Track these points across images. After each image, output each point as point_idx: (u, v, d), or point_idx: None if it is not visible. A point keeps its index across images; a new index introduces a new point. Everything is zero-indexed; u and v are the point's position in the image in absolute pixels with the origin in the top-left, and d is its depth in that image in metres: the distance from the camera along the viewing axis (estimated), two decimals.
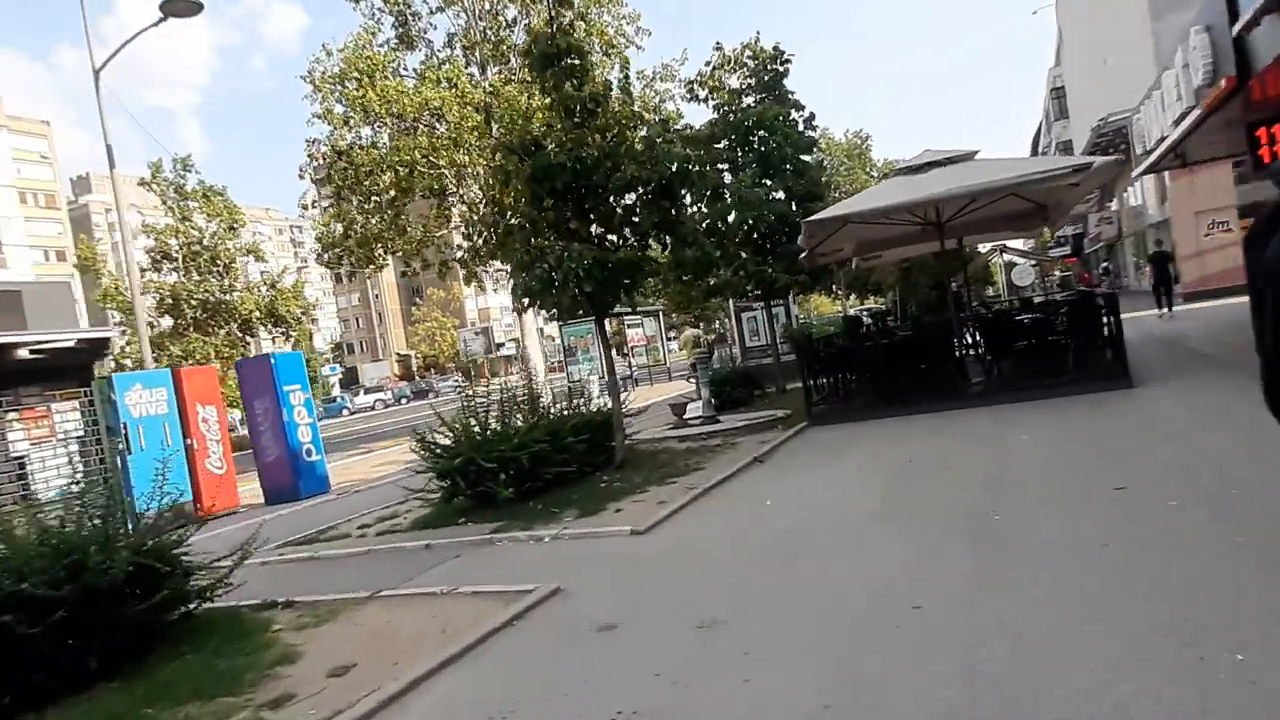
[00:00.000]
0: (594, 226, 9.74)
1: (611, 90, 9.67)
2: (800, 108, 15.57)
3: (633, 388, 29.03)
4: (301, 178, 19.90)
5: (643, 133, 9.55)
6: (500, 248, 9.08)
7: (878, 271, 42.78)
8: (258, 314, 36.52)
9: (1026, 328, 10.82)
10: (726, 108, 15.43)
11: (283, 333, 40.20)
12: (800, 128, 15.65)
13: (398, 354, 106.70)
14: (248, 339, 39.43)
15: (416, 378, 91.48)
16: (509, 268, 9.12)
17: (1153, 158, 14.14)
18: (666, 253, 11.22)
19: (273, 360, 13.16)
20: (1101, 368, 10.19)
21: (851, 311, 55.52)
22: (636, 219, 9.50)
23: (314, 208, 20.86)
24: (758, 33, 15.81)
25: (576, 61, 9.32)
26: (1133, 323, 20.06)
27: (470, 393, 9.74)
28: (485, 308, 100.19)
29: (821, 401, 11.75)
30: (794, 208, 14.68)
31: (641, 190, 9.45)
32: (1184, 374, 10.20)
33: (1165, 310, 20.33)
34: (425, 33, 21.85)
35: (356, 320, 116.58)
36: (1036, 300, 17.90)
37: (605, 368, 10.27)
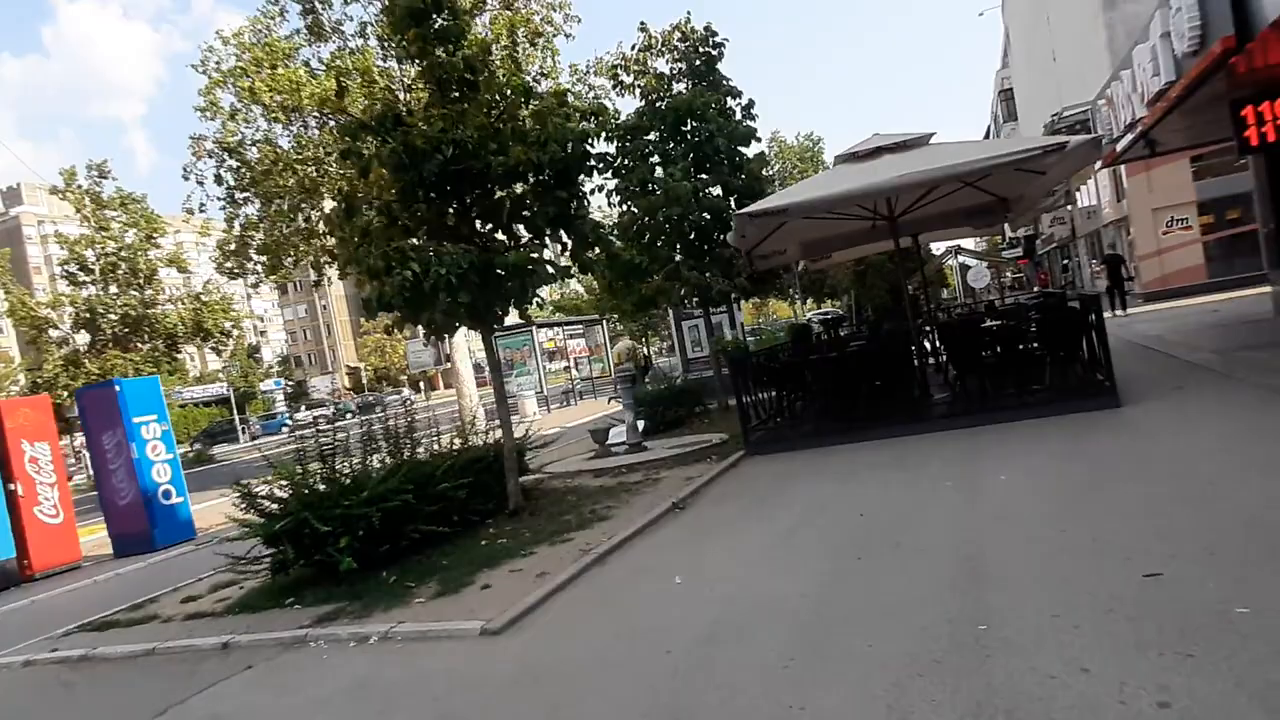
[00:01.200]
0: (479, 222, 8.01)
1: (491, 55, 7.92)
2: (737, 94, 13.98)
3: (575, 401, 27.30)
4: (186, 178, 17.78)
5: (534, 106, 7.80)
6: (355, 251, 7.22)
7: (832, 274, 41.68)
8: (183, 328, 34.32)
9: (995, 336, 9.30)
10: (655, 95, 13.77)
11: (212, 348, 37.93)
12: (738, 117, 14.05)
13: (348, 367, 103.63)
14: (174, 355, 37.03)
15: (367, 391, 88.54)
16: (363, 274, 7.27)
17: (1121, 144, 12.82)
18: (600, 254, 9.49)
19: (119, 388, 11.10)
20: (1081, 382, 8.72)
21: (807, 317, 54.59)
22: (529, 213, 7.77)
23: (201, 211, 18.71)
24: (688, 12, 14.21)
25: (450, 21, 7.56)
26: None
27: (326, 425, 7.87)
28: None
29: (761, 426, 10.11)
30: (733, 205, 13.09)
31: (533, 177, 7.73)
32: (1172, 387, 8.77)
33: (1120, 311, 21.02)
34: (341, 24, 19.95)
35: (304, 332, 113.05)
36: (996, 303, 16.56)
37: (496, 393, 8.47)
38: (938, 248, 42.62)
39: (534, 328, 26.02)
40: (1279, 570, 3.59)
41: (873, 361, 9.54)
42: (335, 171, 17.81)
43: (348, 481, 7.01)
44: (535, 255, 7.71)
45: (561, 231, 7.83)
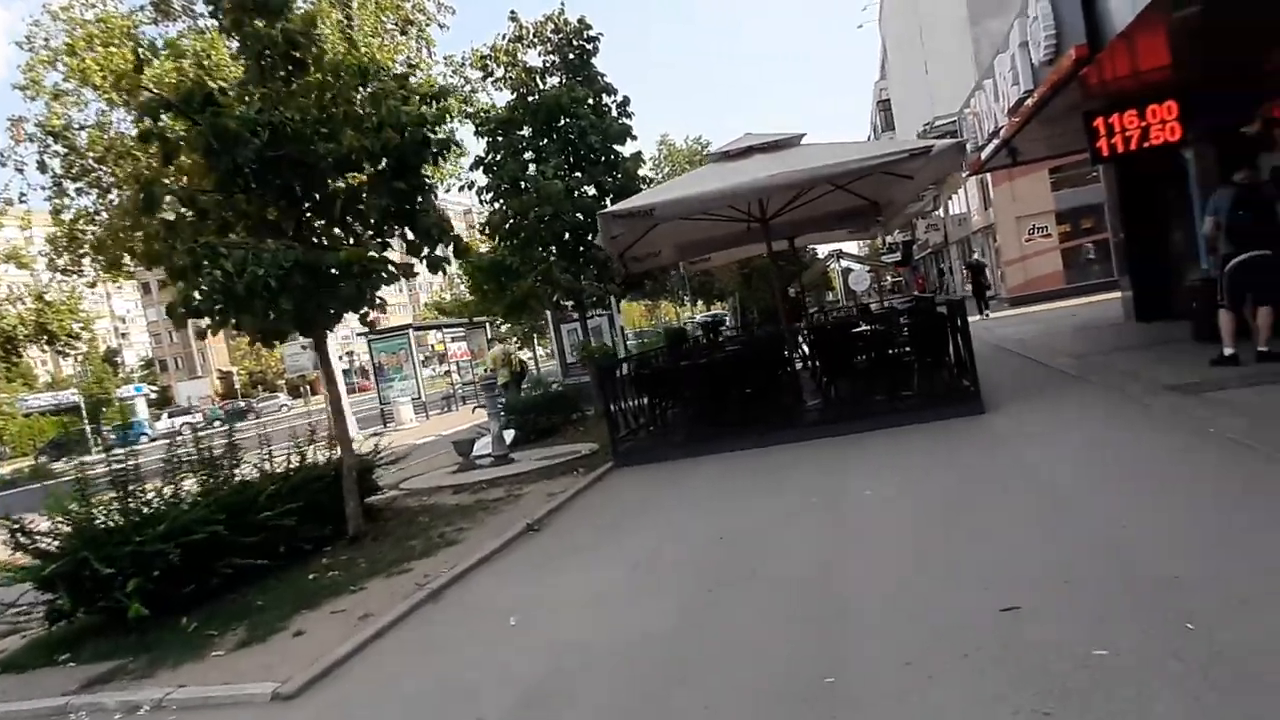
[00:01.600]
0: (310, 217, 7.18)
1: (319, 30, 7.12)
2: (612, 91, 13.54)
3: (456, 408, 26.21)
4: (3, 164, 15.82)
5: (371, 89, 7.04)
6: (156, 247, 6.28)
7: (720, 276, 42.04)
8: (23, 330, 31.36)
9: (866, 341, 9.15)
10: (525, 88, 13.14)
11: (59, 351, 34.92)
12: (614, 114, 13.61)
13: (219, 371, 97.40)
14: (13, 359, 33.82)
15: (240, 397, 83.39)
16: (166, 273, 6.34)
17: (985, 153, 13.10)
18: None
19: None
20: (948, 388, 8.66)
21: (696, 319, 54.93)
22: (363, 206, 7.00)
23: (22, 201, 16.77)
24: (562, 4, 13.66)
25: None
26: None
27: (113, 450, 6.85)
28: None
29: (631, 436, 9.64)
30: (608, 205, 12.61)
31: (371, 167, 6.97)
32: (1032, 392, 8.85)
33: (984, 314, 22.73)
34: (193, 4, 18.29)
35: (170, 334, 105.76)
36: (871, 307, 16.74)
37: (331, 406, 7.66)
38: (823, 251, 43.78)
39: (411, 330, 24.84)
40: (1134, 604, 3.33)
41: (744, 367, 9.23)
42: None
43: (148, 512, 6.07)
44: (373, 254, 6.95)
45: (403, 227, 7.08)
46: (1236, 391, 6.86)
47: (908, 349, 8.95)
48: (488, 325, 27.38)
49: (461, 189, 15.01)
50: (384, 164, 6.93)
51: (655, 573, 5.10)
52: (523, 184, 12.55)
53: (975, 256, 29.43)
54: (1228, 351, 8.09)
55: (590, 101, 13.20)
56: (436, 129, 6.90)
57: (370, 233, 7.23)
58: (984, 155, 13.37)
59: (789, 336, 10.26)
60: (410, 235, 7.17)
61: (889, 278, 61.65)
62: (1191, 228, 11.35)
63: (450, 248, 7.15)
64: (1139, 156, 10.72)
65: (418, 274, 7.57)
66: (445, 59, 19.97)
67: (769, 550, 5.05)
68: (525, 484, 9.04)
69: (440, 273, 7.60)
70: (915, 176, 9.57)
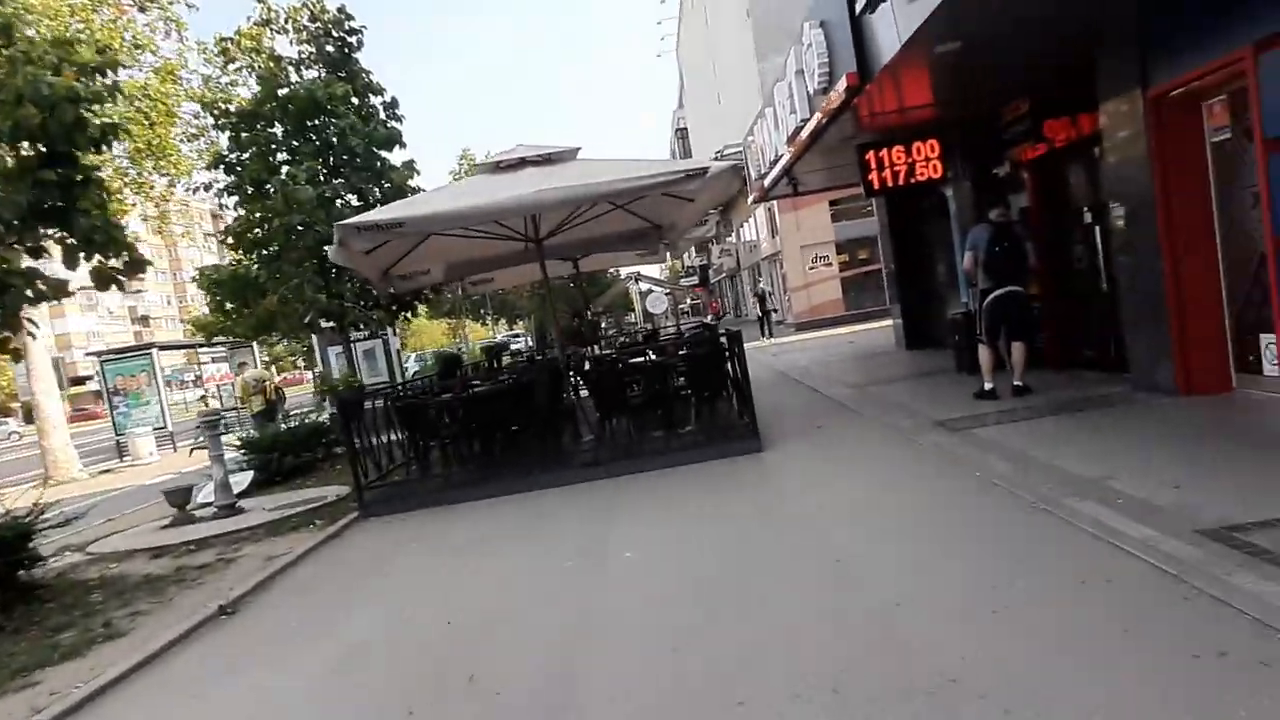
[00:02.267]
0: None
1: None
2: (378, 91, 12.21)
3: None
4: None
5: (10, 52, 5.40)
6: None
7: (516, 296, 40.89)
8: None
9: (644, 373, 8.50)
10: (275, 80, 11.51)
11: None
12: (382, 116, 12.28)
13: None
14: None
15: None
16: None
17: (768, 181, 13.13)
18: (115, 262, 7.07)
19: None
20: (727, 424, 8.19)
21: (499, 338, 53.34)
22: None
23: None
24: None
25: None
26: (748, 355, 19.89)
27: None
28: (64, 333, 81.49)
29: (382, 480, 8.37)
30: None
31: (7, 151, 5.35)
32: (810, 426, 8.60)
33: (768, 339, 24.22)
34: None
35: None
36: (659, 332, 16.44)
37: None
38: (623, 271, 43.94)
39: (155, 350, 21.67)
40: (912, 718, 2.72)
41: (514, 399, 8.28)
42: None
43: None
44: (10, 266, 5.31)
45: (57, 230, 5.49)
46: (997, 429, 6.84)
47: (683, 381, 8.39)
48: (255, 346, 24.57)
49: (194, 190, 13.05)
50: (33, 148, 5.33)
51: (354, 680, 3.98)
52: (270, 188, 10.91)
53: (761, 285, 31.50)
54: (988, 386, 8.24)
55: (355, 101, 11.80)
56: (97, 107, 5.39)
57: (12, 237, 5.56)
58: (766, 183, 13.40)
59: (565, 366, 9.45)
60: (69, 240, 5.59)
61: (688, 300, 63.58)
62: (953, 261, 11.85)
63: (125, 258, 5.63)
64: (906, 191, 11.03)
65: (72, 292, 5.95)
66: (198, 45, 17.57)
67: (501, 642, 4.10)
68: (246, 543, 7.52)
69: (118, 289, 6.03)
70: (696, 199, 9.13)
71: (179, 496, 9.00)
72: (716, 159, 28.39)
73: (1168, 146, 6.64)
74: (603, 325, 43.54)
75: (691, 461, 7.47)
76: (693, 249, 66.28)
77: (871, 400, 9.32)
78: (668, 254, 13.94)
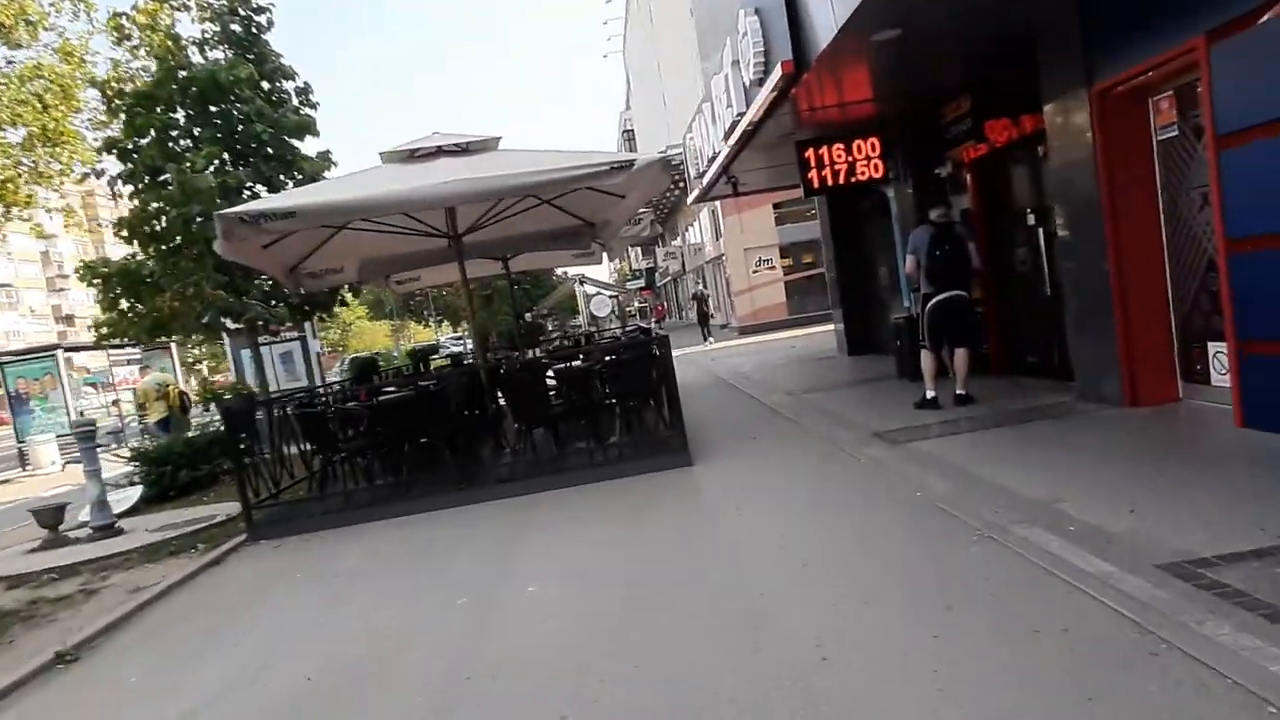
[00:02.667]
0: None
1: None
2: (290, 75, 11.37)
3: (126, 443, 21.75)
4: None
5: None
6: None
7: (457, 296, 39.81)
8: None
9: (566, 380, 7.89)
10: (173, 59, 10.59)
11: None
12: (295, 102, 11.44)
13: None
14: None
15: None
16: None
17: (706, 179, 12.67)
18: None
19: None
20: (655, 436, 7.64)
21: (444, 340, 52.03)
22: None
23: None
24: None
25: None
26: (689, 359, 19.84)
27: None
28: None
29: (275, 499, 7.60)
30: None
31: None
32: (745, 438, 8.12)
33: (709, 342, 24.17)
34: None
35: None
36: (593, 336, 15.89)
37: None
38: (570, 273, 43.27)
39: (60, 351, 20.26)
40: None
41: (424, 408, 7.58)
42: None
43: None
44: None
45: None
46: (939, 441, 6.44)
47: (610, 390, 7.82)
48: (174, 348, 23.24)
49: (83, 178, 12.02)
50: None
51: None
52: (167, 176, 10.00)
53: (699, 288, 31.54)
54: (929, 394, 7.86)
55: (264, 85, 10.96)
56: None
57: None
58: (705, 182, 12.94)
59: (489, 371, 8.79)
60: None
61: (636, 302, 63.08)
62: (895, 264, 11.53)
63: None
64: (847, 191, 10.65)
65: None
66: (111, 17, 16.34)
67: (363, 704, 3.47)
68: (117, 570, 6.69)
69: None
70: (627, 196, 8.58)
71: (49, 516, 8.07)
72: (633, 142, 27.77)
73: (1113, 144, 6.30)
74: (548, 328, 42.80)
75: (616, 476, 6.90)
76: (637, 251, 65.90)
77: (810, 408, 8.88)
78: (604, 254, 13.35)
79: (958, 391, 7.75)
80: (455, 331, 56.89)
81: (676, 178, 27.45)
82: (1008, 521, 4.26)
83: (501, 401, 8.52)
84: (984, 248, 8.53)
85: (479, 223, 8.66)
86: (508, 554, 5.37)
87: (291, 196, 7.06)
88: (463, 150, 7.95)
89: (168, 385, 12.58)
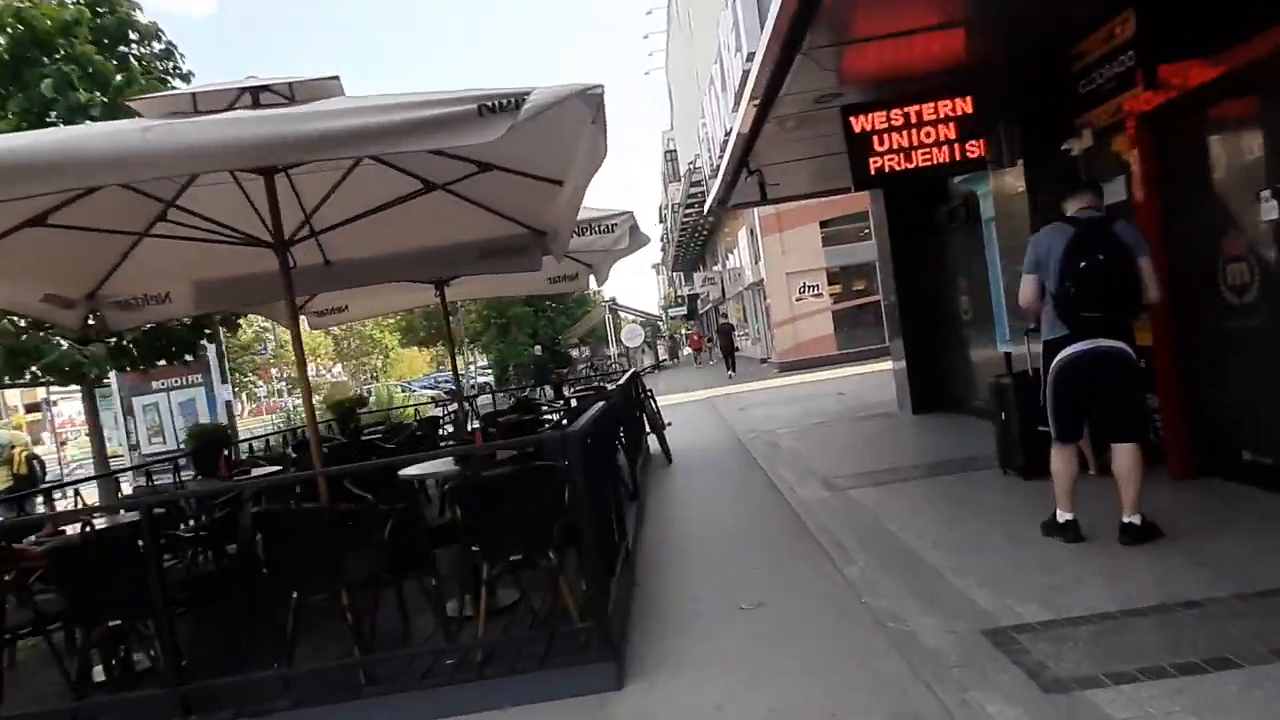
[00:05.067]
0: None
1: None
2: (153, 35, 8.47)
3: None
4: None
5: None
6: None
7: (472, 321, 36.88)
8: None
9: (357, 521, 4.37)
10: None
11: None
12: (160, 68, 8.51)
13: None
14: None
15: None
16: None
17: (720, 173, 9.29)
18: None
19: None
20: (563, 625, 4.15)
21: (474, 373, 49.28)
22: None
23: None
24: None
25: None
26: (709, 406, 15.32)
27: None
28: None
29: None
30: None
31: None
32: (745, 597, 4.66)
33: (730, 372, 23.53)
34: None
35: None
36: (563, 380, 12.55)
37: None
38: (601, 294, 40.17)
39: None
40: None
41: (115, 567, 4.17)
42: None
43: None
44: None
45: None
46: (1135, 658, 2.89)
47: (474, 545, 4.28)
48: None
49: None
50: None
51: None
52: None
53: (724, 319, 30.82)
54: (1065, 516, 4.39)
55: (91, 25, 8.02)
56: None
57: None
58: (720, 177, 9.57)
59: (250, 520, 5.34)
60: None
61: (683, 331, 59.51)
62: (988, 288, 8.03)
63: None
64: (919, 182, 7.22)
65: None
66: None
67: None
68: None
69: None
70: (565, 183, 5.24)
71: None
72: (689, 171, 24.47)
73: None
74: (575, 358, 39.60)
75: (480, 702, 3.50)
76: (679, 277, 62.63)
77: (861, 526, 5.38)
78: (590, 277, 9.94)
79: (1127, 520, 4.24)
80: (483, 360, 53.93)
81: (695, 190, 24.04)
82: None
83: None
84: (1162, 263, 4.92)
85: (318, 220, 5.42)
86: None
87: None
88: (283, 99, 4.74)
89: (11, 446, 9.63)
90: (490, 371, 42.93)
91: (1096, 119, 5.92)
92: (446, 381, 44.97)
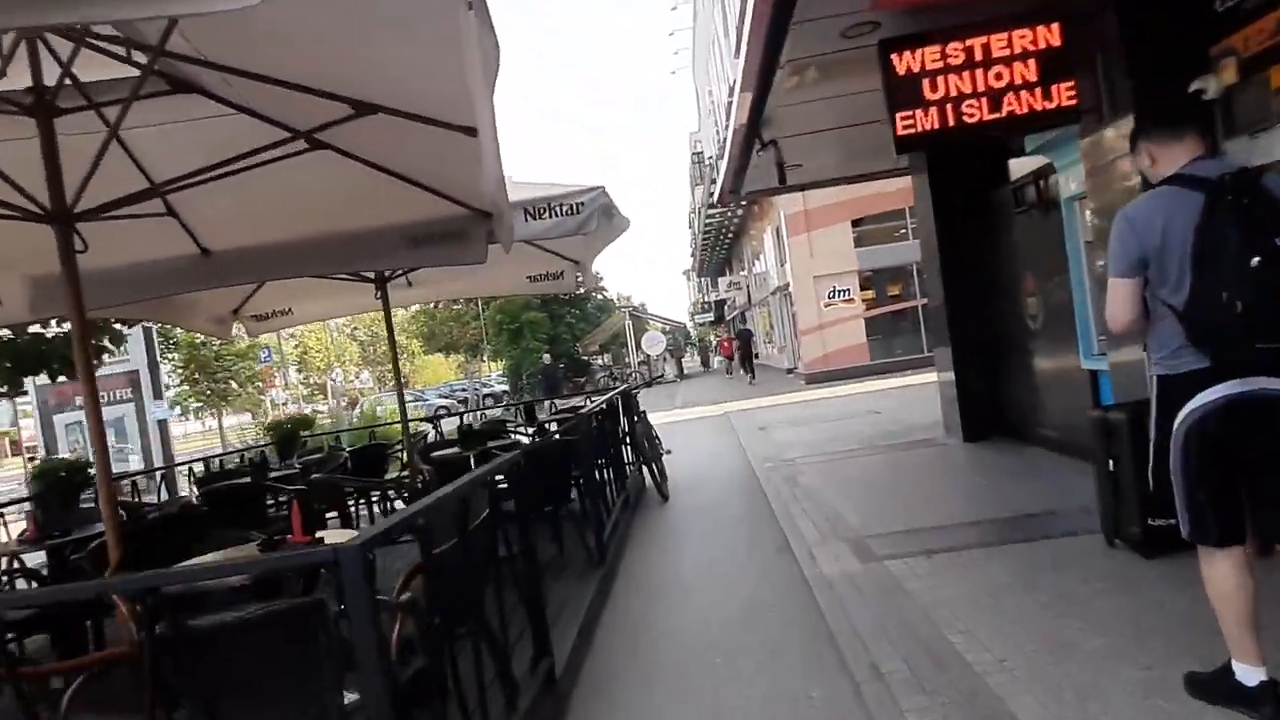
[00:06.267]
0: None
1: None
2: None
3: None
4: None
5: None
6: None
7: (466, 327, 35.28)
8: None
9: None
10: None
11: None
12: None
13: None
14: None
15: None
16: None
17: (728, 139, 7.59)
18: None
19: None
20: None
21: (492, 381, 47.73)
22: None
23: None
24: None
25: None
26: (723, 423, 13.65)
27: None
28: None
29: None
30: None
31: None
32: None
33: (749, 377, 24.37)
34: None
35: None
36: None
37: None
38: (609, 294, 38.46)
39: None
40: None
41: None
42: None
43: None
44: None
45: None
46: None
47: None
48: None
49: None
50: None
51: None
52: None
53: (741, 325, 31.36)
54: (1251, 675, 2.57)
55: None
56: None
57: None
58: (728, 152, 7.86)
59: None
60: None
61: (712, 337, 57.63)
62: (1069, 286, 6.26)
63: None
64: (981, 141, 5.50)
65: None
66: None
67: None
68: None
69: None
70: (477, 127, 3.56)
71: None
72: (694, 159, 22.59)
73: None
74: (593, 366, 37.92)
75: None
76: (706, 281, 60.84)
77: (909, 639, 3.63)
78: (576, 275, 8.26)
79: None
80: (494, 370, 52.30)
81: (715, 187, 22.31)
82: None
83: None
84: None
85: (116, 188, 3.83)
86: None
87: None
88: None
89: None
90: (505, 379, 41.38)
91: (1244, 44, 4.16)
92: (462, 390, 43.58)
